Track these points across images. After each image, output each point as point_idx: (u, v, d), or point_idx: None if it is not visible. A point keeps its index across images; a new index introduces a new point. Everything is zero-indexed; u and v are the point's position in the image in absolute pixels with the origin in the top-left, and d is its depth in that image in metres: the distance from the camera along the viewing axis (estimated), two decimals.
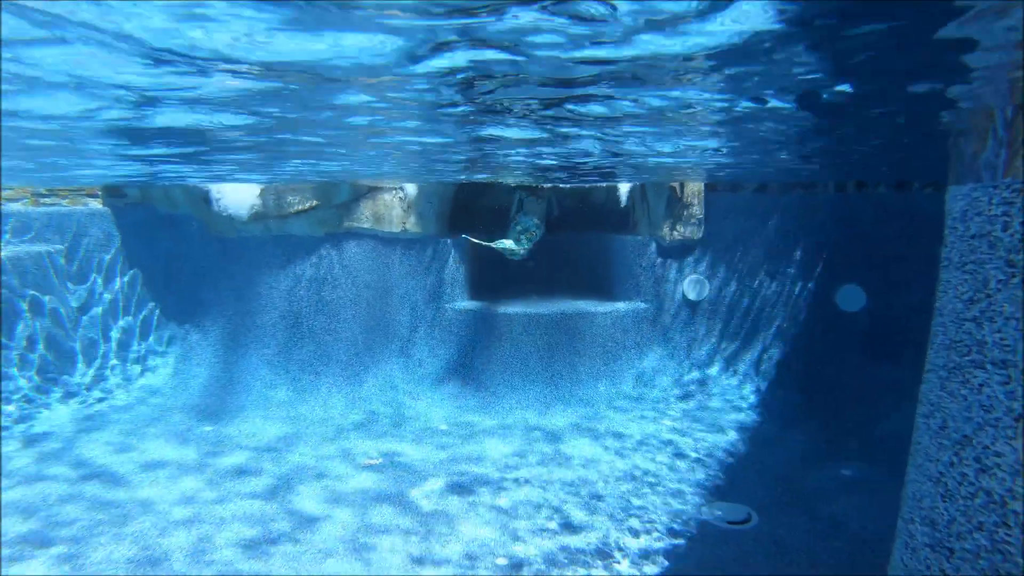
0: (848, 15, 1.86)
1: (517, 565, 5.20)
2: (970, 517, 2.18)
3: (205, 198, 9.09)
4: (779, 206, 9.73)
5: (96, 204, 9.78)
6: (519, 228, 9.82)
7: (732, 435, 8.21)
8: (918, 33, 1.94)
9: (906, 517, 3.33)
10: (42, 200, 9.64)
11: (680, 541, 5.63)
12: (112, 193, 9.65)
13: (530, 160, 5.96)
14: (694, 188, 9.66)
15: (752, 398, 9.41)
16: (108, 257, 9.38)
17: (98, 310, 9.17)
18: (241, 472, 6.96)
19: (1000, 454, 2.04)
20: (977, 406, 2.28)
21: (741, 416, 8.91)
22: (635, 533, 5.74)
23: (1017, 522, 1.87)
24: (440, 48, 2.17)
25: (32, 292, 8.42)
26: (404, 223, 9.55)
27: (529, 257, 10.06)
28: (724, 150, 5.26)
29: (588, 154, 5.38)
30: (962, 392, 2.49)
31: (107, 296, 9.30)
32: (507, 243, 9.57)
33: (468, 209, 10.55)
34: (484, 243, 9.52)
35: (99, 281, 9.25)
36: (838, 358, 9.45)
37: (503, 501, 6.34)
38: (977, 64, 1.95)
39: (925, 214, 8.06)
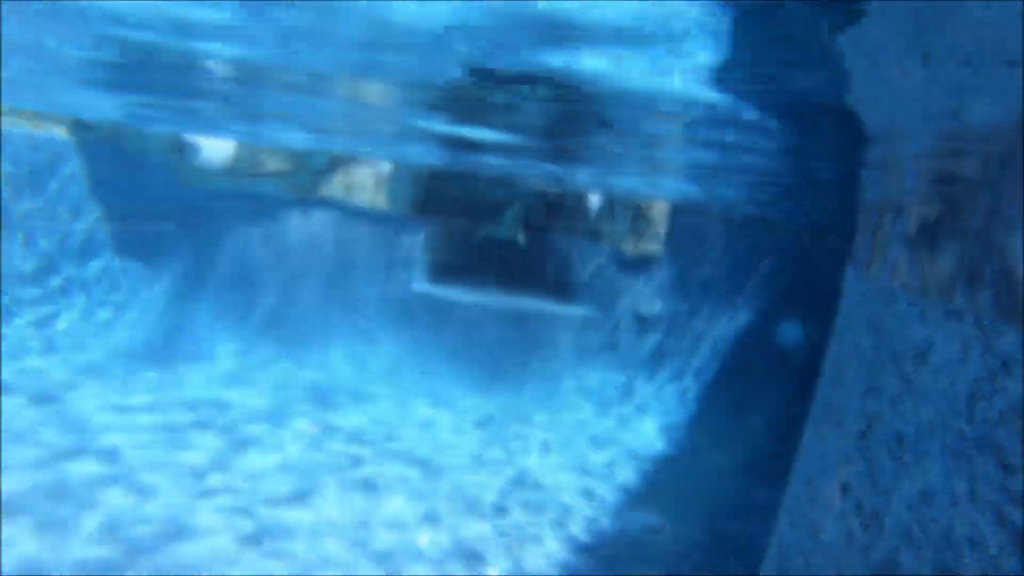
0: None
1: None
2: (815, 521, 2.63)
3: (178, 146, 9.03)
4: (739, 236, 10.22)
5: (61, 132, 9.53)
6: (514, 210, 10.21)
7: (658, 447, 8.71)
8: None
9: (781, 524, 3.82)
10: None
11: (594, 541, 6.05)
12: (80, 125, 9.44)
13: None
14: (659, 208, 10.12)
15: (685, 414, 9.91)
16: (66, 190, 9.21)
17: (48, 243, 9.01)
18: (174, 423, 7.05)
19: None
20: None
21: (670, 431, 9.43)
22: (553, 527, 6.14)
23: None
24: None
25: None
26: (375, 199, 9.71)
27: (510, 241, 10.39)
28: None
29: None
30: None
31: (60, 230, 9.14)
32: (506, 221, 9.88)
33: (439, 194, 10.75)
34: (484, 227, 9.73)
35: (55, 214, 9.09)
36: (773, 388, 9.99)
37: (449, 480, 6.65)
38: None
39: None
